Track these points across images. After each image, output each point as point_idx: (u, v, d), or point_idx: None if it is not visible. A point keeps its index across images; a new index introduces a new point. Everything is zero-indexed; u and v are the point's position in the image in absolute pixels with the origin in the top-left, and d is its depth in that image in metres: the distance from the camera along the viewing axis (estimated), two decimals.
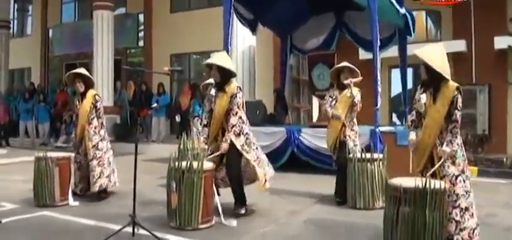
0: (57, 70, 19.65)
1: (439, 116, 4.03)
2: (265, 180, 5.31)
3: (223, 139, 5.19)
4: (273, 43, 13.51)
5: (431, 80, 4.09)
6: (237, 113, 5.18)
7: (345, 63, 6.01)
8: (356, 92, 5.91)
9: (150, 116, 13.85)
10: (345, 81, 5.88)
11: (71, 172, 6.15)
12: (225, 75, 5.23)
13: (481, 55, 11.62)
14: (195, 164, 4.74)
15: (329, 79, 6.39)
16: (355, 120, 6.06)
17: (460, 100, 4.00)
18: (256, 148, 5.34)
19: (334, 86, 6.13)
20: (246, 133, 5.25)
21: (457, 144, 4.03)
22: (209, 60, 5.30)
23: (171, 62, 15.94)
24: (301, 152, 8.67)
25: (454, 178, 3.99)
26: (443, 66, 4.03)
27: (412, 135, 4.24)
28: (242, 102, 5.26)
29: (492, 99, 11.77)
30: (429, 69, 4.04)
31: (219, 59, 5.33)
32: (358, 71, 5.98)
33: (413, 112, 4.34)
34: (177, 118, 13.20)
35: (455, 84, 4.04)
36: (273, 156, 8.88)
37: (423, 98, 4.15)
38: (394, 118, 13.31)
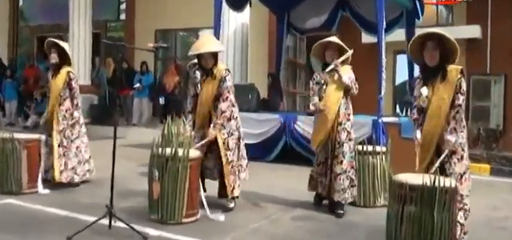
0: (28, 43, 19.42)
1: (444, 104, 4.03)
2: (233, 188, 5.22)
3: (211, 126, 5.15)
4: (268, 21, 13.41)
5: (439, 66, 4.08)
6: (227, 97, 5.15)
7: (331, 38, 5.41)
8: (347, 70, 5.32)
9: (131, 97, 13.77)
10: (329, 67, 5.25)
11: (41, 156, 6.06)
12: (216, 59, 5.23)
13: (497, 42, 11.63)
14: (180, 152, 4.70)
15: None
16: (351, 107, 5.38)
17: (464, 83, 4.04)
18: (239, 139, 5.30)
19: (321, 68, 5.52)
20: (236, 117, 5.28)
21: (462, 136, 4.03)
22: (202, 50, 5.11)
23: (156, 39, 15.81)
24: (295, 142, 8.65)
25: (460, 177, 3.98)
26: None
27: (418, 134, 4.24)
28: (231, 85, 5.24)
29: (508, 91, 11.81)
30: (441, 53, 4.04)
31: (210, 43, 5.27)
32: (347, 48, 5.33)
33: (415, 110, 4.33)
34: (161, 100, 13.16)
35: (459, 67, 4.07)
36: (266, 146, 8.95)
37: (424, 91, 4.14)
38: (398, 109, 13.31)
